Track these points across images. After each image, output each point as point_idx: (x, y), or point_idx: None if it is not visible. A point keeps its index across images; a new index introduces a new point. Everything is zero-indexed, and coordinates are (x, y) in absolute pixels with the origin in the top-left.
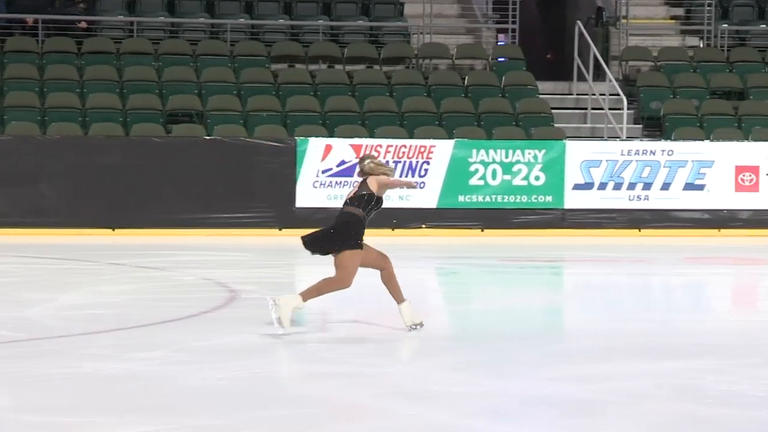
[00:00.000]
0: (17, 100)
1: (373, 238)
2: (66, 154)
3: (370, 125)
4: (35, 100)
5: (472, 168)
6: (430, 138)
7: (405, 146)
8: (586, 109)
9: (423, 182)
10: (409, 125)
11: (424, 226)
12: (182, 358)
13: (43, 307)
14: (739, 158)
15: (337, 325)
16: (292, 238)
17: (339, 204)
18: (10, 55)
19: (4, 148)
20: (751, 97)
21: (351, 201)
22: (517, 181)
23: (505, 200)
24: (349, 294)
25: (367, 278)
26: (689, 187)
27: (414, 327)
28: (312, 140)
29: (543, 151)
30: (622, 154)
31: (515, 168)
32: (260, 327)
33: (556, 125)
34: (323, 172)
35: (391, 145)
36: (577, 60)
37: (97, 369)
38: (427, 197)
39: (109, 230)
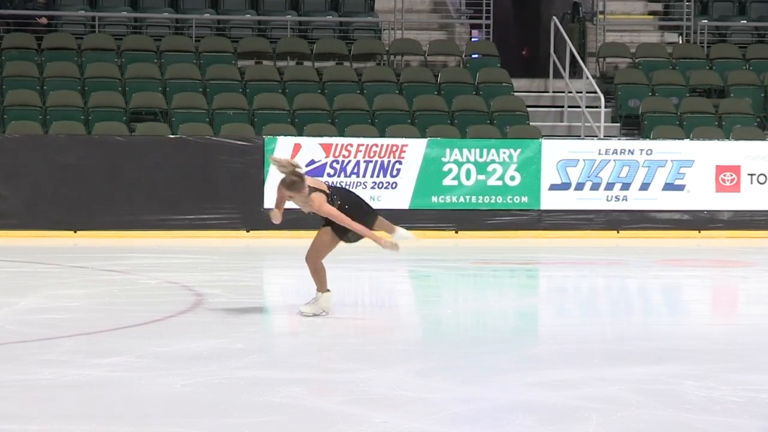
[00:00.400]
0: None
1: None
2: (25, 153)
3: (340, 123)
4: None
5: (445, 168)
6: (401, 137)
7: (376, 145)
8: (562, 107)
9: (395, 182)
10: (380, 123)
11: None
12: (146, 365)
13: (1, 312)
14: (720, 158)
15: (306, 329)
16: (260, 240)
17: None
18: None
19: None
20: (732, 94)
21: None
22: (492, 182)
23: (480, 201)
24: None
25: (337, 282)
26: (669, 187)
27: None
28: (280, 139)
29: (518, 150)
30: (599, 154)
31: (490, 168)
32: (226, 332)
33: (531, 124)
34: None
35: (362, 144)
36: (553, 57)
37: (58, 376)
38: (399, 198)
39: (70, 232)
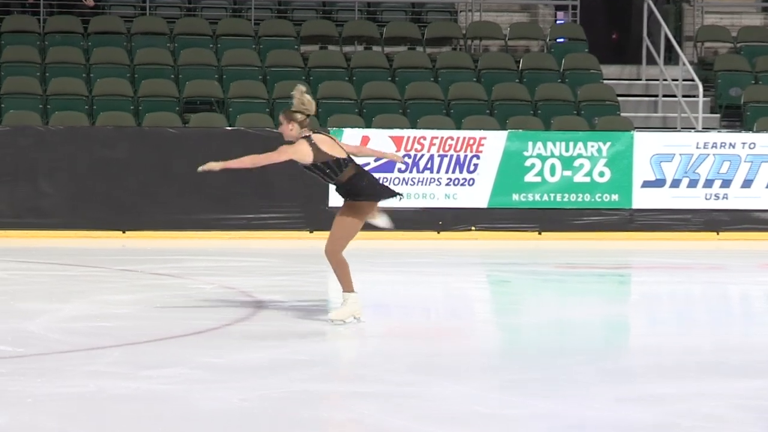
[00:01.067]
0: (16, 86)
1: (416, 241)
2: (70, 146)
3: (411, 114)
4: (36, 87)
5: (527, 163)
6: (480, 129)
7: (452, 138)
8: (656, 96)
9: (472, 179)
10: (456, 114)
11: (473, 228)
12: (200, 377)
13: (44, 319)
14: None
15: (374, 339)
16: (324, 241)
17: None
18: (8, 36)
19: (0, 140)
20: None
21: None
22: (579, 178)
23: (565, 199)
24: (385, 304)
25: (406, 287)
26: None
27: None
28: (347, 131)
29: (608, 143)
30: (697, 148)
31: (576, 163)
32: (287, 341)
33: (622, 114)
34: None
35: (436, 137)
36: (646, 41)
37: (105, 388)
38: (477, 196)
39: (118, 233)
